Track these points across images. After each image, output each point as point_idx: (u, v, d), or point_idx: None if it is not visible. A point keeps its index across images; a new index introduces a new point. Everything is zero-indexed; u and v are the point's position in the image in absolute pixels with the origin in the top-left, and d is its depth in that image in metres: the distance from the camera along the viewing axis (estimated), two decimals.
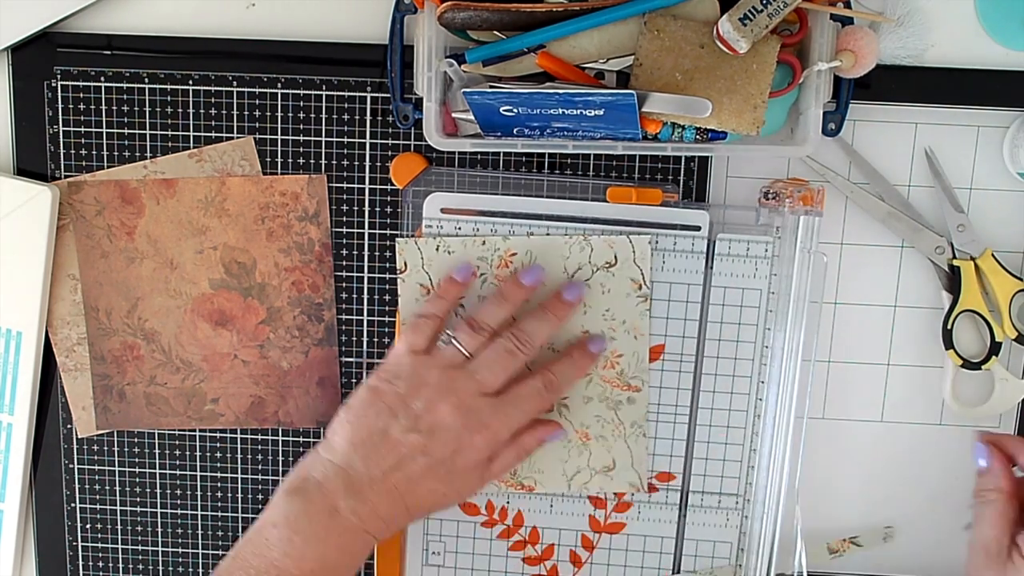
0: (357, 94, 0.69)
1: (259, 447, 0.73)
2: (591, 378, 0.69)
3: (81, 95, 0.69)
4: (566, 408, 0.70)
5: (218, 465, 0.73)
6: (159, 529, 0.74)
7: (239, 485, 0.73)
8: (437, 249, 0.68)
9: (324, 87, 0.69)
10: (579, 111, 0.60)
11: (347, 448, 0.63)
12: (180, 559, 0.75)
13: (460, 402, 0.63)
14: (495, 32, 0.63)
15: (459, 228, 0.68)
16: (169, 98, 0.69)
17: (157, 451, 0.73)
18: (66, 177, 0.70)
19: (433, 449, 0.63)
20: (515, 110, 0.61)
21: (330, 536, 0.61)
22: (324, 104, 0.69)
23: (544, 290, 0.68)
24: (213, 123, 0.69)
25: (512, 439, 0.66)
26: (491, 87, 0.61)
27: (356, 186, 0.70)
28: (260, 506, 0.73)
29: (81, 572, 0.75)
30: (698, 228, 0.68)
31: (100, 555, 0.75)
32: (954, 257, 0.68)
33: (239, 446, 0.73)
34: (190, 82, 0.69)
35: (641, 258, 0.68)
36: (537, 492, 0.71)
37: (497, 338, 0.65)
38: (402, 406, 0.63)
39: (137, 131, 0.70)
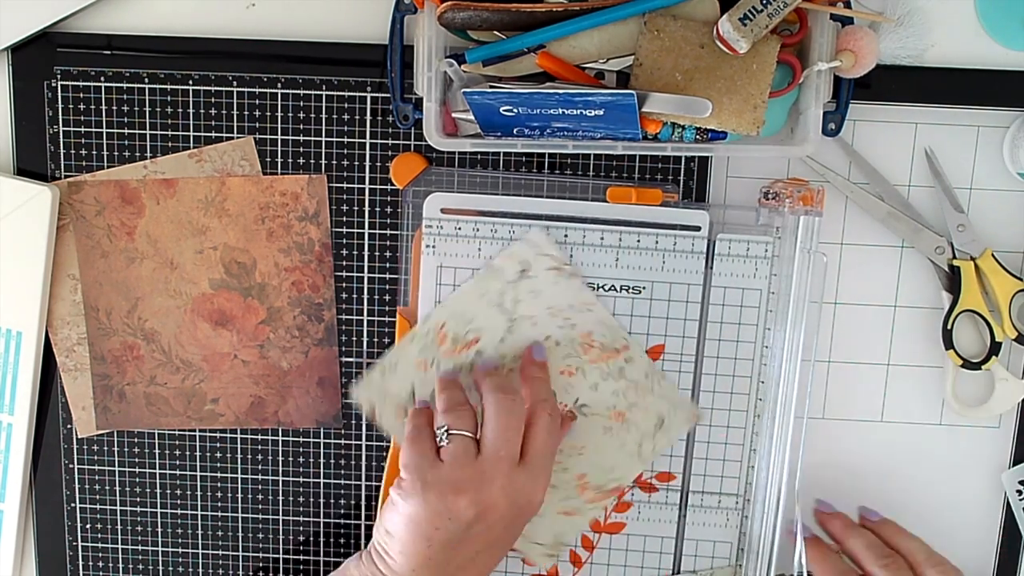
0: (357, 94, 0.69)
1: (259, 447, 0.73)
2: (583, 368, 0.69)
3: (81, 95, 0.69)
4: (587, 407, 0.69)
5: (218, 465, 0.73)
6: (159, 529, 0.74)
7: (239, 485, 0.73)
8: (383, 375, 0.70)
9: (324, 87, 0.69)
10: (579, 111, 0.60)
11: (409, 573, 0.61)
12: (180, 559, 0.75)
13: (503, 488, 0.61)
14: (495, 32, 0.63)
15: (459, 228, 0.68)
16: (169, 98, 0.69)
17: (157, 451, 0.73)
18: (66, 177, 0.70)
19: (491, 535, 0.61)
20: (515, 110, 0.61)
21: None
22: (324, 104, 0.69)
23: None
24: (213, 123, 0.69)
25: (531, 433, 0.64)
26: (491, 87, 0.61)
27: (356, 186, 0.70)
28: (260, 506, 0.73)
29: (81, 572, 0.75)
30: (698, 228, 0.68)
31: (100, 555, 0.75)
32: (954, 257, 0.68)
33: (239, 446, 0.73)
34: (190, 82, 0.69)
35: (543, 248, 0.68)
36: (627, 495, 0.71)
37: (487, 403, 0.63)
38: (452, 526, 0.61)
39: (137, 131, 0.70)
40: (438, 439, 0.63)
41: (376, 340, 0.71)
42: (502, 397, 0.62)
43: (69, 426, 0.73)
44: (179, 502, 0.74)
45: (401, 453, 0.63)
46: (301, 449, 0.73)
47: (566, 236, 0.68)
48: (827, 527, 0.69)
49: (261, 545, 0.74)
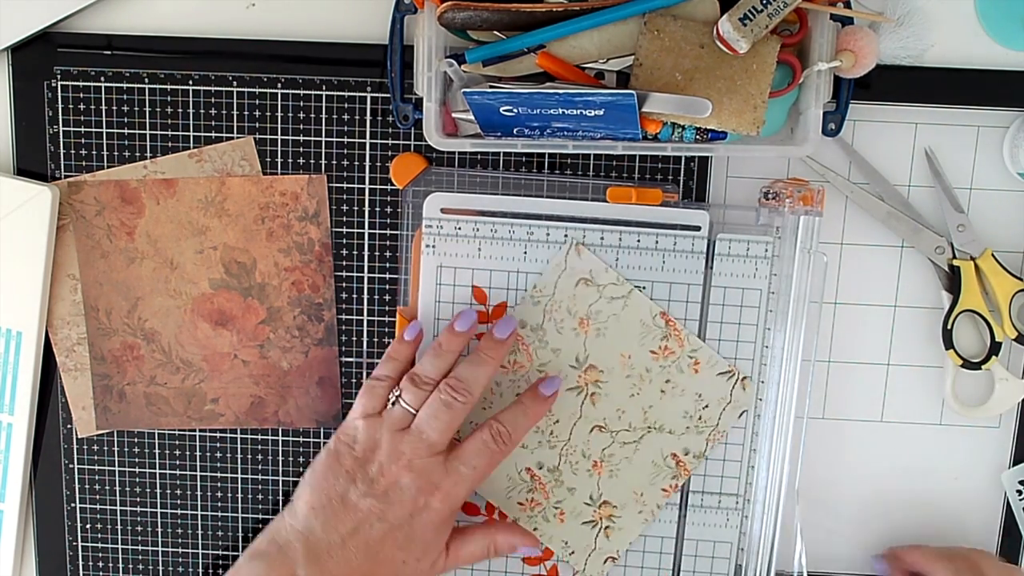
0: (357, 94, 0.69)
1: (259, 447, 0.73)
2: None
3: (81, 95, 0.69)
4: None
5: (218, 465, 0.73)
6: (159, 529, 0.74)
7: (239, 485, 0.73)
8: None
9: (324, 87, 0.69)
10: (579, 111, 0.60)
11: (307, 512, 0.63)
12: (180, 559, 0.75)
13: (411, 464, 0.63)
14: (495, 32, 0.63)
15: (459, 228, 0.68)
16: (169, 98, 0.69)
17: (157, 451, 0.73)
18: (66, 177, 0.70)
19: (389, 513, 0.63)
20: (515, 110, 0.61)
21: None
22: (324, 104, 0.69)
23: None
24: (213, 123, 0.69)
25: (486, 531, 0.68)
26: (491, 87, 0.61)
27: (356, 186, 0.70)
28: (260, 506, 0.73)
29: (81, 572, 0.75)
30: (698, 228, 0.68)
31: (100, 555, 0.75)
32: (954, 257, 0.68)
33: (239, 446, 0.73)
34: (190, 82, 0.69)
35: (589, 264, 0.68)
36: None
37: (436, 391, 0.65)
38: (359, 470, 0.64)
39: (137, 131, 0.70)
40: (390, 400, 0.65)
41: (376, 340, 0.71)
42: (450, 390, 0.64)
43: (69, 426, 0.73)
44: (179, 502, 0.74)
45: (355, 402, 0.66)
46: (301, 449, 0.73)
47: (566, 236, 0.68)
48: (907, 559, 0.68)
49: None
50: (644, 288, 0.68)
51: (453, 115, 0.65)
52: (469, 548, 0.67)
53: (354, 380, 0.72)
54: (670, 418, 0.69)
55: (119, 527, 0.74)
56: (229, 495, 0.74)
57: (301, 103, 0.69)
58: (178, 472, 0.73)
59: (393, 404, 0.65)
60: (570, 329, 0.68)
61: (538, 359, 0.69)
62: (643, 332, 0.68)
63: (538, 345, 0.69)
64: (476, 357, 0.66)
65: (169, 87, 0.69)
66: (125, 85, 0.69)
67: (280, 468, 0.73)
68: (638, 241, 0.68)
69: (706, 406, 0.69)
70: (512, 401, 0.68)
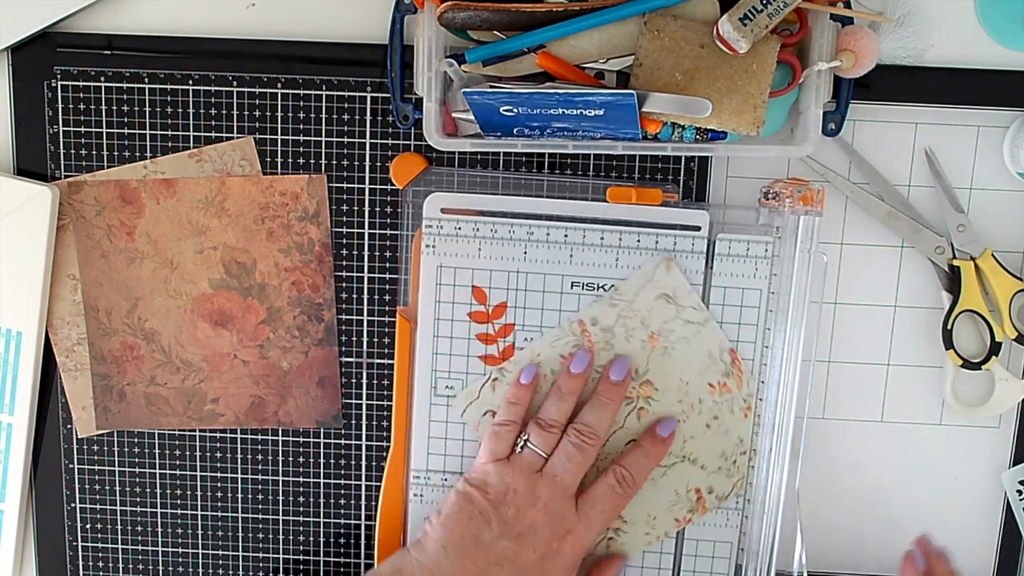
0: (357, 94, 0.69)
1: (259, 447, 0.73)
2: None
3: (81, 95, 0.69)
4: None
5: (218, 465, 0.73)
6: (159, 529, 0.74)
7: (239, 485, 0.73)
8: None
9: (324, 87, 0.69)
10: (579, 111, 0.60)
11: (438, 550, 0.64)
12: (180, 559, 0.75)
13: (546, 507, 0.65)
14: (495, 32, 0.63)
15: (459, 228, 0.68)
16: (169, 98, 0.69)
17: (157, 451, 0.73)
18: (66, 177, 0.70)
19: (521, 556, 0.64)
20: (515, 110, 0.61)
21: None
22: (324, 104, 0.69)
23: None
24: (213, 123, 0.69)
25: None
26: (491, 87, 0.61)
27: (356, 186, 0.70)
28: (260, 506, 0.73)
29: (81, 572, 0.75)
30: (698, 228, 0.68)
31: (100, 555, 0.75)
32: (954, 257, 0.68)
33: (239, 446, 0.73)
34: (190, 82, 0.69)
35: (674, 281, 0.68)
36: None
37: (565, 436, 0.66)
38: (494, 512, 0.65)
39: (137, 131, 0.70)
40: (517, 446, 0.67)
41: (376, 340, 0.71)
42: (579, 436, 0.66)
43: (69, 426, 0.73)
44: (179, 502, 0.74)
45: (481, 446, 0.68)
46: (301, 449, 0.73)
47: (566, 236, 0.68)
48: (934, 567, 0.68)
49: (261, 545, 0.74)
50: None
51: (453, 115, 0.65)
52: None
53: (354, 380, 0.72)
54: (706, 454, 0.69)
55: (119, 527, 0.74)
56: (229, 495, 0.74)
57: (301, 103, 0.69)
58: (178, 472, 0.73)
59: (522, 448, 0.66)
60: (639, 340, 0.68)
61: (599, 360, 0.69)
62: (708, 363, 0.68)
63: (603, 346, 0.68)
64: (597, 401, 0.67)
65: (169, 87, 0.69)
66: (125, 85, 0.69)
67: (280, 468, 0.73)
68: (638, 241, 0.68)
69: (743, 452, 0.69)
70: (630, 445, 0.69)
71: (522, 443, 0.66)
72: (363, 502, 0.73)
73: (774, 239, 0.68)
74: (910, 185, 0.69)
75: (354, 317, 0.71)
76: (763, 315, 0.69)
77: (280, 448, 0.73)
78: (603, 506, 0.66)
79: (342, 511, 0.73)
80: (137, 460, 0.73)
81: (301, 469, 0.73)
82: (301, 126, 0.69)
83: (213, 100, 0.69)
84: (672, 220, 0.68)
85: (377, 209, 0.70)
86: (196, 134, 0.69)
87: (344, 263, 0.71)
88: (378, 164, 0.69)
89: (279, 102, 0.69)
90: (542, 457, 0.66)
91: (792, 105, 0.66)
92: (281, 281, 0.71)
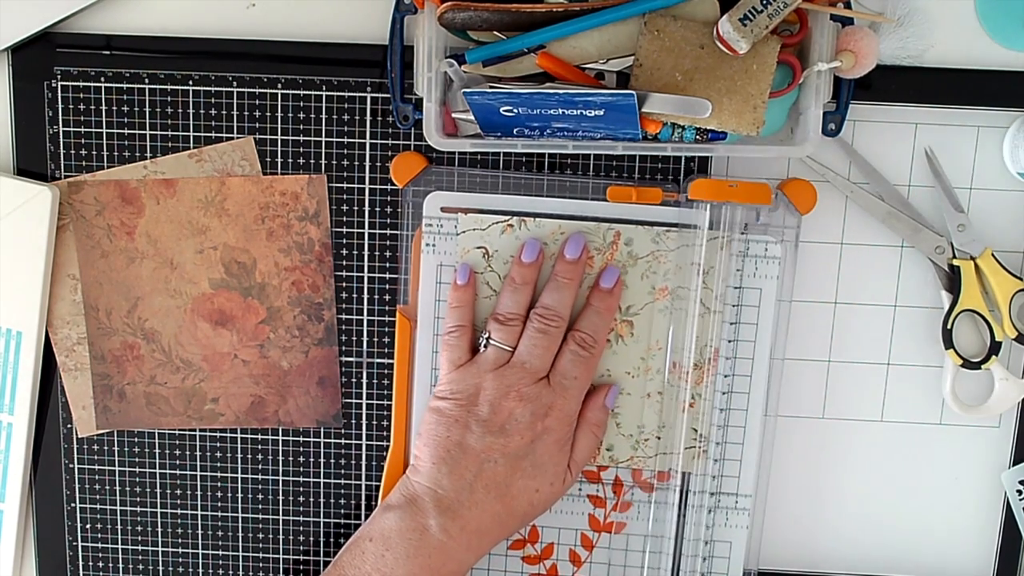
0: (357, 94, 0.69)
1: (259, 447, 0.73)
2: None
3: (81, 95, 0.69)
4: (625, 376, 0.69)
5: (218, 465, 0.73)
6: (159, 529, 0.74)
7: (239, 485, 0.73)
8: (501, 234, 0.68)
9: (324, 87, 0.69)
10: (579, 111, 0.60)
11: (430, 468, 0.65)
12: (180, 559, 0.75)
13: (520, 394, 0.65)
14: (495, 32, 0.63)
15: (458, 227, 0.68)
16: (169, 98, 0.69)
17: (157, 451, 0.73)
18: (66, 177, 0.70)
19: (511, 446, 0.65)
20: (515, 110, 0.61)
21: (419, 555, 0.64)
22: (324, 104, 0.69)
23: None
24: (213, 123, 0.69)
25: (579, 423, 0.67)
26: (491, 87, 0.61)
27: (356, 186, 0.70)
28: (260, 506, 0.73)
29: (81, 572, 0.75)
30: (697, 227, 0.68)
31: (100, 555, 0.75)
32: (954, 257, 0.68)
33: (239, 446, 0.73)
34: (190, 82, 0.69)
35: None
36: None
37: (528, 323, 0.66)
38: (468, 415, 0.65)
39: (137, 131, 0.70)
40: (480, 344, 0.66)
41: (376, 340, 0.71)
42: (543, 320, 0.66)
43: (69, 426, 0.73)
44: (179, 502, 0.74)
45: (439, 360, 0.68)
46: (301, 449, 0.73)
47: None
48: None
49: (261, 545, 0.74)
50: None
51: (453, 115, 0.65)
52: (580, 448, 0.67)
53: (354, 380, 0.72)
54: (627, 417, 0.69)
55: (119, 527, 0.74)
56: (229, 495, 0.74)
57: (301, 103, 0.69)
58: (178, 472, 0.74)
59: (485, 347, 0.66)
60: (650, 285, 0.68)
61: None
62: (687, 346, 0.68)
63: (619, 265, 0.68)
64: (555, 283, 0.67)
65: (169, 87, 0.69)
66: (125, 85, 0.69)
67: (280, 468, 0.73)
68: None
69: (659, 437, 0.69)
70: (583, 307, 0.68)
71: (484, 341, 0.66)
72: (363, 502, 0.73)
73: (780, 241, 0.68)
74: (910, 185, 0.69)
75: (354, 317, 0.71)
76: (762, 312, 0.69)
77: (280, 448, 0.73)
78: (574, 373, 0.66)
79: (342, 511, 0.74)
80: (137, 460, 0.73)
81: (301, 469, 0.73)
82: (301, 126, 0.69)
83: (213, 100, 0.69)
84: (672, 219, 0.68)
85: (377, 209, 0.70)
86: (196, 134, 0.69)
87: (344, 263, 0.71)
88: (378, 164, 0.69)
89: (279, 102, 0.69)
90: (507, 351, 0.66)
91: (792, 105, 0.66)
92: (281, 281, 0.71)
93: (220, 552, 0.74)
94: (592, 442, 0.68)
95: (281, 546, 0.74)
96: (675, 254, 0.68)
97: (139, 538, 0.74)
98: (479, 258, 0.68)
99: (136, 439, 0.73)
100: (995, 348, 0.68)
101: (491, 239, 0.68)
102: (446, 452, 0.65)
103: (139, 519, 0.74)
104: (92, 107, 0.69)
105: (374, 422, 0.72)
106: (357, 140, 0.69)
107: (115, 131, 0.70)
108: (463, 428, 0.65)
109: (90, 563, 0.75)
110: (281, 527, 0.74)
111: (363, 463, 0.73)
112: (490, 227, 0.68)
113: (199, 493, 0.74)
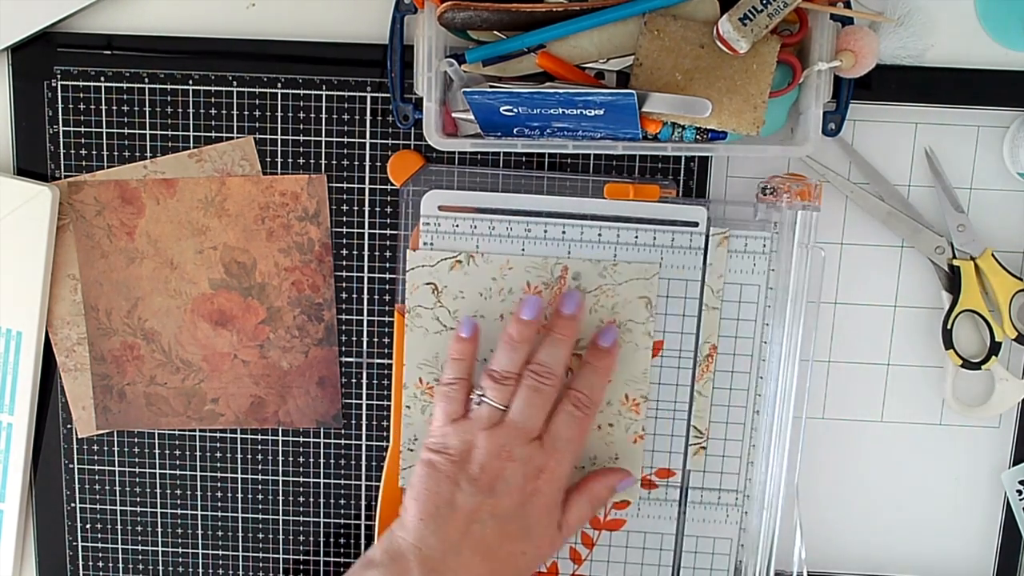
0: (357, 94, 0.69)
1: (259, 447, 0.73)
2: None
3: (81, 95, 0.69)
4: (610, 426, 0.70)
5: (218, 465, 0.73)
6: (159, 529, 0.74)
7: (239, 485, 0.73)
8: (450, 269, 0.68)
9: (324, 87, 0.69)
10: (579, 111, 0.60)
11: (417, 524, 0.63)
12: (180, 559, 0.75)
13: (511, 454, 0.64)
14: (495, 32, 0.63)
15: (456, 225, 0.68)
16: (169, 98, 0.69)
17: (157, 451, 0.73)
18: (66, 177, 0.70)
19: (500, 507, 0.63)
20: (515, 110, 0.61)
21: None
22: (324, 104, 0.69)
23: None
24: (213, 123, 0.69)
25: (581, 489, 0.67)
26: (491, 87, 0.61)
27: (356, 186, 0.70)
28: (260, 506, 0.73)
29: (81, 572, 0.75)
30: (696, 224, 0.68)
31: (100, 555, 0.75)
32: (954, 257, 0.68)
33: (239, 446, 0.73)
34: (190, 82, 0.69)
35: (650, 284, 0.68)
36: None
37: (523, 379, 0.65)
38: (460, 472, 0.64)
39: (137, 131, 0.70)
40: (473, 402, 0.65)
41: (376, 340, 0.71)
42: (536, 377, 0.64)
43: (69, 426, 0.73)
44: (179, 502, 0.74)
45: (434, 410, 0.66)
46: (301, 449, 0.73)
47: (564, 232, 0.68)
48: None
49: (261, 545, 0.74)
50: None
51: (453, 115, 0.65)
52: (575, 514, 0.67)
53: (354, 380, 0.72)
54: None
55: (119, 527, 0.74)
56: (229, 495, 0.74)
57: (301, 103, 0.69)
58: (178, 472, 0.73)
59: (479, 404, 0.65)
60: (598, 318, 0.68)
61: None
62: (638, 379, 0.69)
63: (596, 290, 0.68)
64: (551, 339, 0.66)
65: (169, 87, 0.69)
66: (125, 85, 0.69)
67: (280, 468, 0.73)
68: (636, 237, 0.68)
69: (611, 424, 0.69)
70: (579, 365, 0.68)
71: (478, 399, 0.65)
72: (363, 502, 0.73)
73: (772, 235, 0.68)
74: (910, 185, 0.69)
75: (354, 317, 0.71)
76: (761, 311, 0.69)
77: (280, 448, 0.73)
78: (568, 435, 0.65)
79: (342, 511, 0.74)
80: (137, 460, 0.73)
81: (301, 469, 0.73)
82: (301, 126, 0.69)
83: (213, 100, 0.69)
84: (670, 216, 0.68)
85: (377, 209, 0.70)
86: (196, 134, 0.69)
87: (344, 263, 0.71)
88: (378, 164, 0.69)
89: (279, 102, 0.69)
90: (500, 410, 0.64)
91: (792, 105, 0.66)
92: (281, 281, 0.71)
93: (220, 552, 0.74)
94: (587, 512, 0.67)
95: (281, 546, 0.74)
96: (623, 287, 0.68)
97: (139, 538, 0.74)
98: (428, 294, 0.68)
99: (136, 439, 0.73)
100: (995, 348, 0.68)
101: (440, 275, 0.68)
102: (435, 508, 0.63)
103: (139, 519, 0.74)
104: (92, 107, 0.69)
105: (374, 422, 0.72)
106: (357, 140, 0.69)
107: (115, 131, 0.70)
108: (453, 485, 0.63)
109: (90, 563, 0.75)
110: (281, 527, 0.74)
111: (363, 463, 0.73)
112: (439, 263, 0.68)
113: (199, 493, 0.74)
